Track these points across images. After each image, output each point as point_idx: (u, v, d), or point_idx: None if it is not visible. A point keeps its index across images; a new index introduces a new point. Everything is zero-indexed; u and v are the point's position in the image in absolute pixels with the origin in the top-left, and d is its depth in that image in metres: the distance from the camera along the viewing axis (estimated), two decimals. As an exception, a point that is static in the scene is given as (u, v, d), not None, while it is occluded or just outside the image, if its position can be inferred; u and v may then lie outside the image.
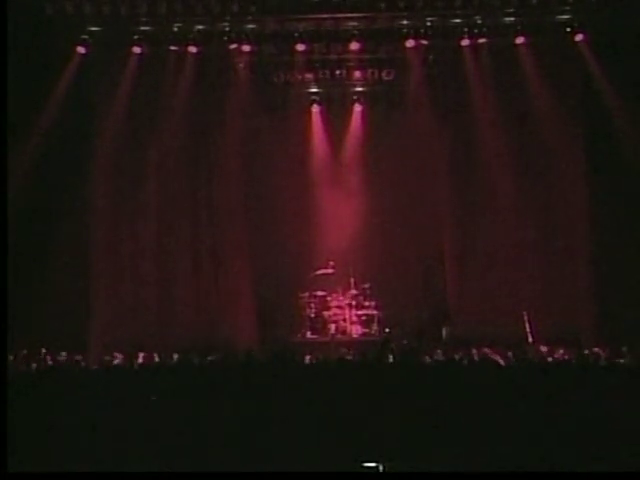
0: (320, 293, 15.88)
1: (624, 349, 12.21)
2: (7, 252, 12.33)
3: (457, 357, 12.17)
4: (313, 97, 16.84)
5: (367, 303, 15.82)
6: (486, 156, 15.85)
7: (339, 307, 15.80)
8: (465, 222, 15.94)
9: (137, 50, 15.79)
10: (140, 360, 12.75)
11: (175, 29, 15.67)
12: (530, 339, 14.05)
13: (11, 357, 11.41)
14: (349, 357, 12.32)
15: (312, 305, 15.83)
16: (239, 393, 9.40)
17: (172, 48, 15.92)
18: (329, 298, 15.87)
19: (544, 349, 12.97)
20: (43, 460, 8.80)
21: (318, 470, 8.53)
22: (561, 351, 12.56)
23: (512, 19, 15.49)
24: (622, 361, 11.32)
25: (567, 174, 15.67)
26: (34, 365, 12.07)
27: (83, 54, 15.57)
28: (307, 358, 12.07)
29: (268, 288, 16.02)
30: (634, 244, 14.88)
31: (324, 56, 16.35)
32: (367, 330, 15.66)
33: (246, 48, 15.86)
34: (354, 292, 15.82)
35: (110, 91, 15.77)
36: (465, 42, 15.69)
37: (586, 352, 12.42)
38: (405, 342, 14.33)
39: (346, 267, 15.78)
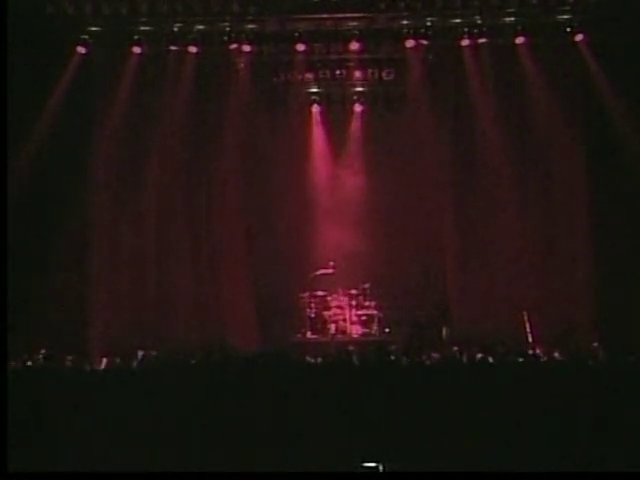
0: (320, 293, 15.85)
1: (623, 349, 12.19)
2: (7, 253, 12.34)
3: (457, 357, 12.16)
4: (313, 97, 16.82)
5: (367, 303, 15.80)
6: (486, 156, 15.85)
7: (339, 307, 15.78)
8: (465, 222, 15.92)
9: (137, 50, 15.77)
10: (139, 360, 12.73)
11: (175, 29, 15.65)
12: (530, 339, 14.05)
13: (11, 358, 11.39)
14: (349, 357, 12.30)
15: (312, 305, 15.80)
16: (239, 393, 9.40)
17: (172, 48, 15.90)
18: (329, 298, 15.85)
19: (544, 349, 12.95)
20: (43, 460, 8.81)
21: (318, 470, 8.54)
22: (560, 351, 12.54)
23: (512, 19, 15.46)
24: (622, 361, 11.30)
25: (567, 174, 15.66)
26: (33, 366, 12.06)
27: (83, 54, 15.55)
28: (307, 358, 12.06)
29: (268, 288, 16.01)
30: (634, 244, 14.88)
31: (324, 56, 16.33)
32: (367, 330, 15.64)
33: (246, 48, 15.83)
34: (354, 292, 15.81)
35: (110, 91, 15.76)
36: (465, 42, 15.67)
37: (585, 352, 12.41)
38: (404, 343, 14.35)
39: (346, 267, 15.77)
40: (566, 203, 15.66)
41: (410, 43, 15.66)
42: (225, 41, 15.73)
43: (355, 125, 16.80)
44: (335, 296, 15.86)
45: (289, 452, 8.97)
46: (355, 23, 15.56)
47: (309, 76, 16.52)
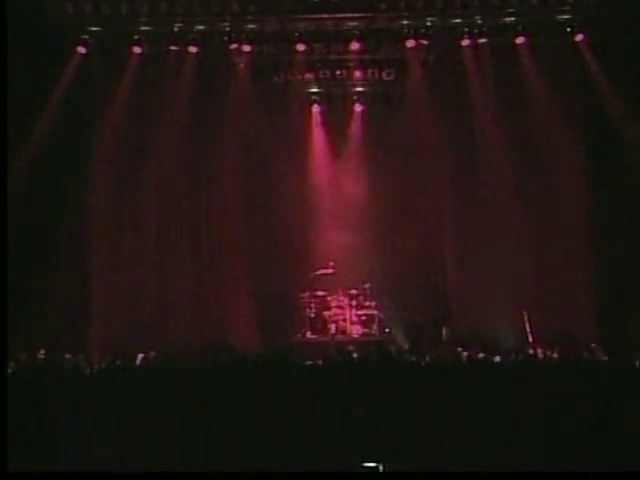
0: (320, 293, 15.86)
1: (623, 349, 12.20)
2: (7, 253, 12.33)
3: (457, 357, 12.17)
4: (313, 97, 16.84)
5: (367, 303, 15.80)
6: (486, 156, 15.86)
7: (339, 307, 15.78)
8: (465, 222, 15.92)
9: (137, 50, 15.79)
10: (139, 361, 12.73)
11: (175, 29, 15.67)
12: (530, 339, 14.06)
13: (11, 358, 11.39)
14: (350, 357, 12.31)
15: (312, 305, 15.81)
16: (239, 393, 9.40)
17: (172, 48, 15.92)
18: (329, 298, 15.85)
19: (544, 349, 12.96)
20: (43, 460, 8.81)
21: (318, 470, 8.54)
22: (560, 351, 12.54)
23: (512, 19, 15.49)
24: (621, 361, 11.30)
25: (567, 174, 15.66)
26: (33, 366, 12.07)
27: (83, 54, 15.58)
28: (307, 358, 12.06)
29: (268, 288, 16.01)
30: (634, 244, 14.88)
31: (324, 56, 16.35)
32: (367, 330, 15.65)
33: (246, 48, 15.85)
34: (354, 292, 15.81)
35: (110, 91, 15.77)
36: (465, 42, 15.70)
37: (585, 351, 12.42)
38: (404, 343, 14.36)
39: (346, 267, 15.77)
40: (566, 203, 15.66)
41: (410, 43, 15.69)
42: (225, 41, 15.75)
43: (355, 125, 16.81)
44: (335, 296, 15.86)
45: (289, 452, 8.97)
46: (355, 23, 15.57)
47: (309, 76, 16.54)
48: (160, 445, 9.04)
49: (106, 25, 15.47)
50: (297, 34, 15.59)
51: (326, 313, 15.76)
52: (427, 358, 11.92)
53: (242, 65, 16.18)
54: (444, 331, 15.29)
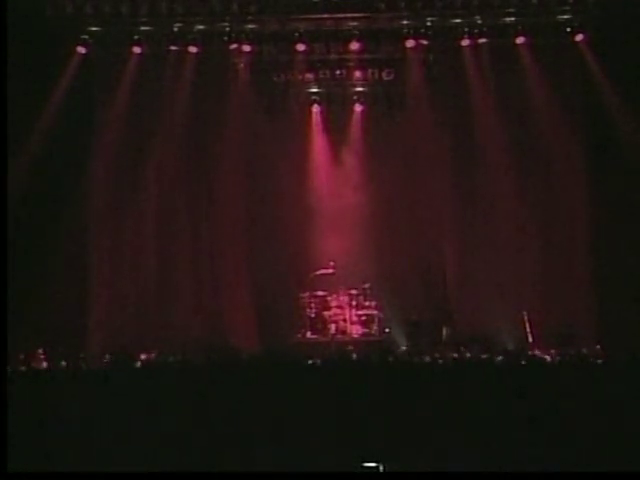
0: (320, 293, 15.84)
1: (623, 349, 12.20)
2: (7, 253, 12.34)
3: (457, 357, 12.17)
4: (313, 97, 16.81)
5: (367, 303, 15.78)
6: (486, 156, 15.85)
7: (339, 307, 15.76)
8: (465, 221, 15.92)
9: (137, 50, 15.79)
10: (140, 360, 12.74)
11: (175, 29, 15.67)
12: (530, 339, 14.06)
13: (11, 358, 11.39)
14: (350, 357, 12.31)
15: (312, 305, 15.78)
16: (239, 393, 9.40)
17: (172, 48, 15.93)
18: (329, 298, 15.82)
19: (544, 349, 12.96)
20: (43, 460, 8.81)
21: (318, 470, 8.54)
22: (561, 351, 12.55)
23: (512, 19, 15.48)
24: (621, 361, 11.30)
25: (567, 174, 15.66)
26: (33, 365, 12.07)
27: (83, 54, 15.58)
28: (307, 358, 12.06)
29: (268, 288, 16.00)
30: (634, 244, 14.87)
31: (324, 56, 16.34)
32: (367, 330, 15.64)
33: (246, 48, 15.85)
34: (354, 292, 15.80)
35: (110, 91, 15.77)
36: (465, 42, 15.69)
37: (585, 352, 12.42)
38: (404, 344, 14.37)
39: (346, 267, 15.76)
40: (566, 203, 15.66)
41: (410, 43, 15.69)
42: (225, 41, 15.74)
43: (355, 125, 16.80)
44: (335, 296, 15.83)
45: (289, 452, 8.97)
46: (355, 23, 15.57)
47: (309, 76, 16.53)
48: (160, 445, 9.05)
49: (106, 25, 15.47)
50: (297, 34, 15.58)
51: (326, 313, 15.74)
52: (427, 358, 11.93)
53: (242, 65, 16.17)
54: (444, 331, 15.26)
